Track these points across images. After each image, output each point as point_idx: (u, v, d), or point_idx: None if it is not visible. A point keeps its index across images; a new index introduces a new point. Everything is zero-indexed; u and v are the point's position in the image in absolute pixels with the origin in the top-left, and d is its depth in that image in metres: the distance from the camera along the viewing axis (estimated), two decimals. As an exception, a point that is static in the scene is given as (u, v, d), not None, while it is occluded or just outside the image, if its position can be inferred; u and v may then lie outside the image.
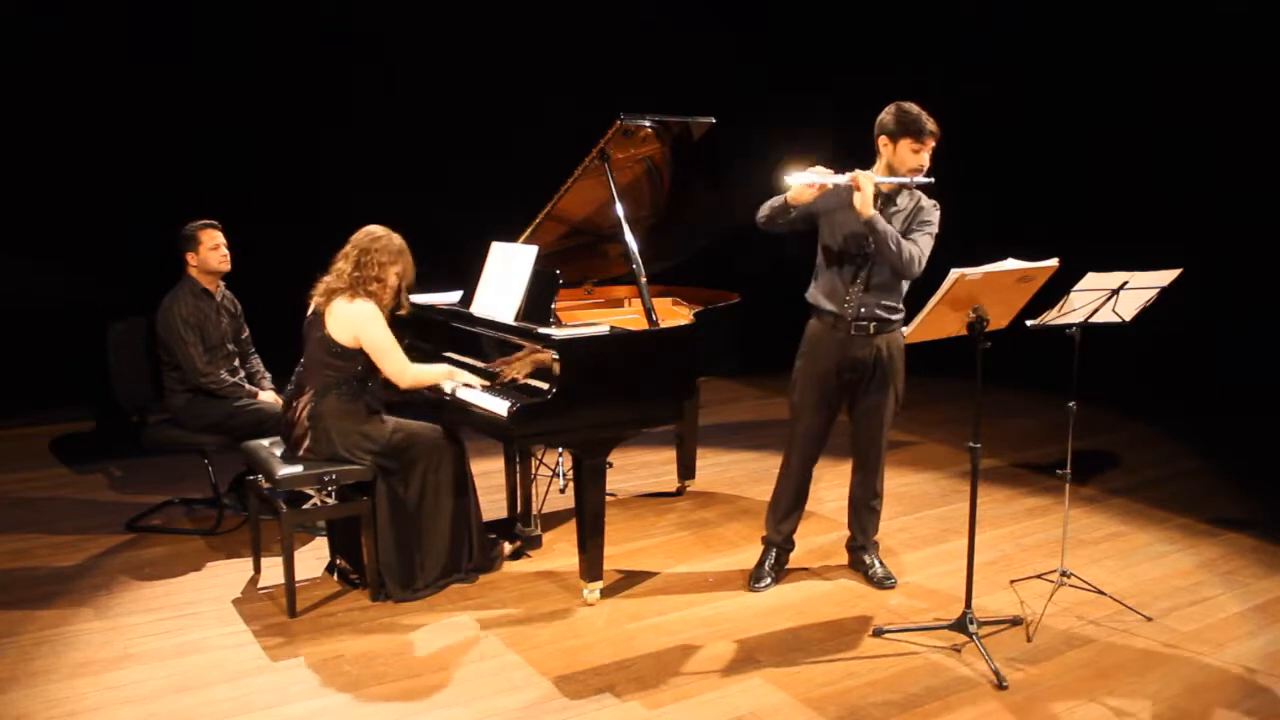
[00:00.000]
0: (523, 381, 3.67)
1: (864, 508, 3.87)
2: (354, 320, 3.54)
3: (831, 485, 3.81)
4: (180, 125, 6.29)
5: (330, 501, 3.62)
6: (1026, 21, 7.33)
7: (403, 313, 3.77)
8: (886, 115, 3.48)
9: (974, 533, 3.29)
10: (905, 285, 3.58)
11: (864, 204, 3.30)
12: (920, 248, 3.42)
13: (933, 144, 3.45)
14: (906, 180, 3.38)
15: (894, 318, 3.57)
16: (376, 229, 3.65)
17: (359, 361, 3.59)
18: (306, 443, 3.60)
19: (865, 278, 3.53)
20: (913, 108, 3.45)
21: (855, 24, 7.91)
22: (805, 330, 3.71)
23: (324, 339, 3.57)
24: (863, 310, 3.55)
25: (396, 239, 3.65)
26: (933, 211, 3.53)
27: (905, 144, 3.44)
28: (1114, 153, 6.80)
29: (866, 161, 3.49)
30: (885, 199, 3.51)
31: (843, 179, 3.33)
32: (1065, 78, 7.07)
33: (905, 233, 3.47)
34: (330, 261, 3.65)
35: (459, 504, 3.73)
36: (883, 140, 3.49)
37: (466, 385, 3.71)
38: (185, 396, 4.27)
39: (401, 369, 3.63)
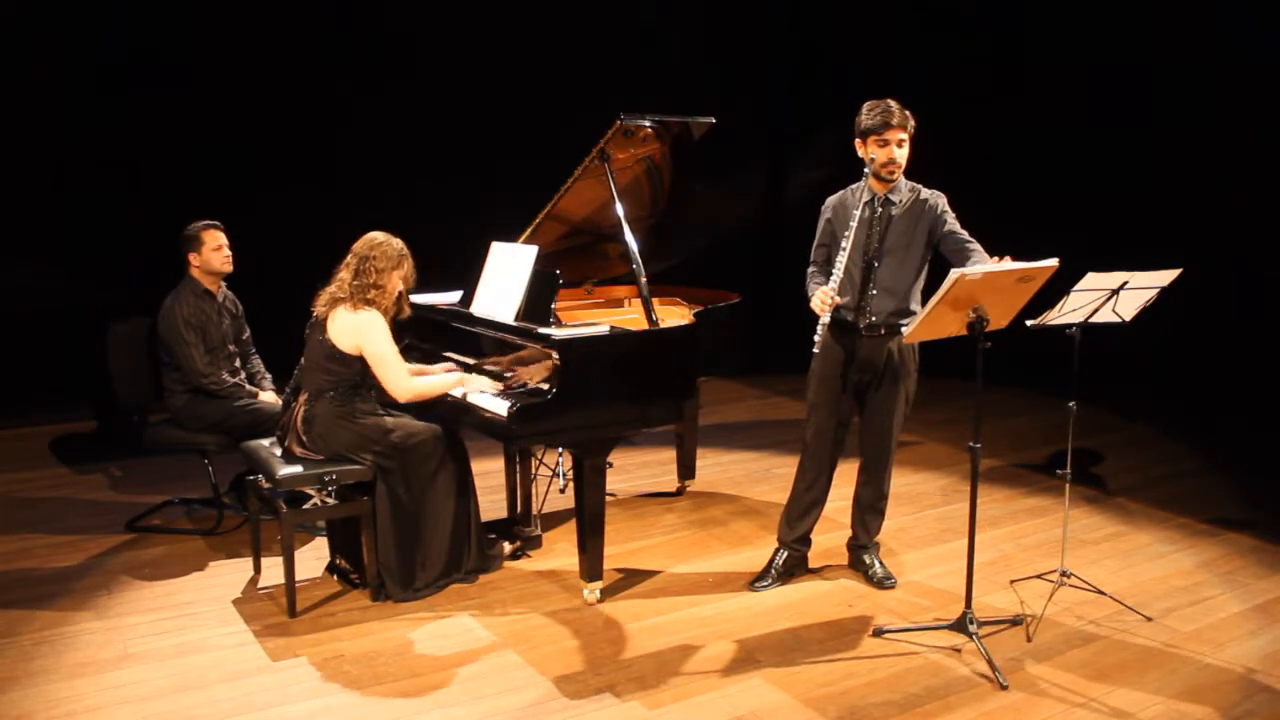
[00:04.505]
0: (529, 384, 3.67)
1: (869, 509, 3.86)
2: (357, 330, 3.55)
3: (833, 484, 3.82)
4: (183, 125, 6.28)
5: (330, 501, 3.62)
6: (1027, 20, 7.34)
7: (404, 317, 3.77)
8: (857, 116, 3.48)
9: (974, 533, 3.29)
10: (919, 286, 3.59)
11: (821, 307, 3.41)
12: (965, 244, 3.45)
13: (901, 135, 3.42)
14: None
15: (905, 320, 3.57)
16: (377, 235, 3.65)
17: (357, 367, 3.59)
18: (302, 444, 3.60)
19: (874, 281, 3.54)
20: (877, 104, 3.44)
21: (855, 23, 7.90)
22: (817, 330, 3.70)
23: (325, 344, 3.58)
24: (873, 313, 3.56)
25: (396, 244, 3.65)
26: (938, 199, 3.54)
27: (871, 141, 3.44)
28: (1114, 152, 6.80)
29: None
30: (884, 200, 3.51)
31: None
32: (1065, 77, 7.07)
33: (921, 228, 3.49)
34: (333, 271, 3.65)
35: (459, 504, 3.73)
36: (857, 143, 3.51)
37: (481, 391, 3.67)
38: (185, 397, 4.27)
39: (400, 383, 3.58)
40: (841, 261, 3.40)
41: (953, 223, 3.50)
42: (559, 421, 3.47)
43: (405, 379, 3.60)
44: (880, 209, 3.52)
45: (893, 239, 3.52)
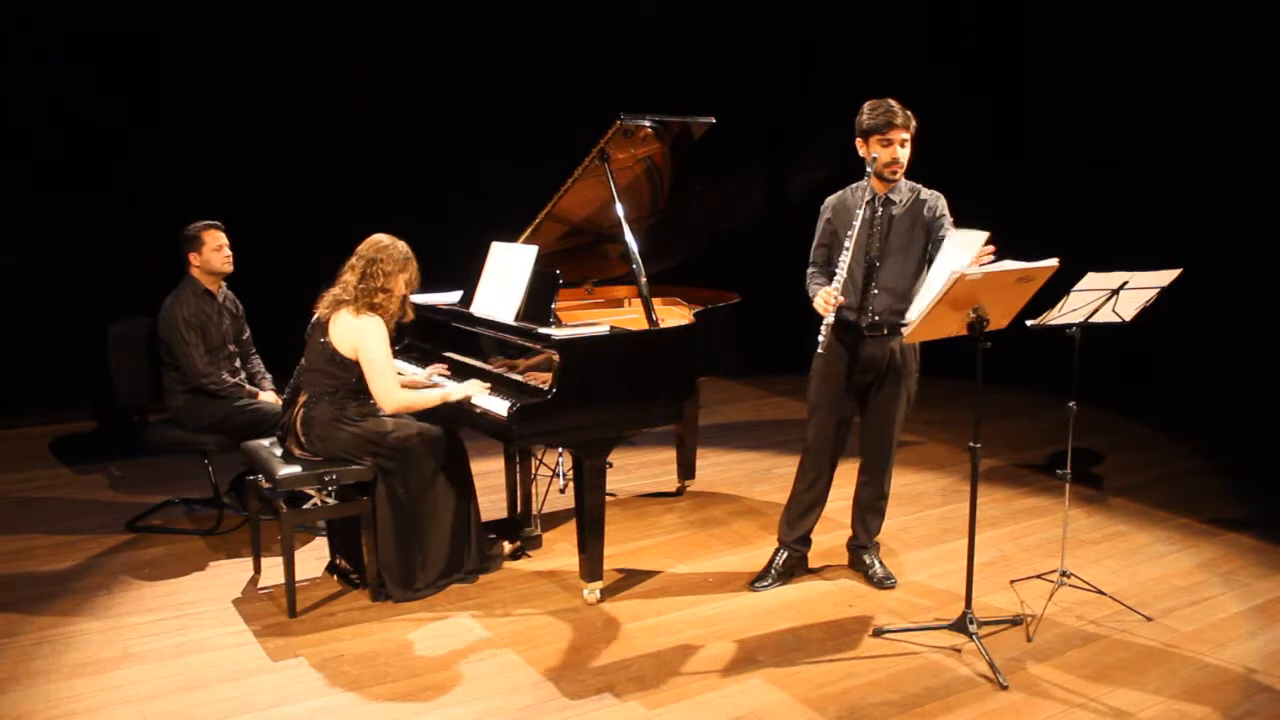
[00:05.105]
0: (524, 382, 3.67)
1: (869, 508, 3.86)
2: (357, 334, 3.54)
3: (834, 484, 3.82)
4: (183, 125, 6.29)
5: (330, 501, 3.62)
6: (1027, 20, 7.34)
7: (408, 320, 3.77)
8: (858, 116, 3.48)
9: (974, 533, 3.29)
10: (920, 286, 3.58)
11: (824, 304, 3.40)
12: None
13: (904, 135, 3.42)
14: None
15: (907, 320, 3.56)
16: (382, 238, 3.64)
17: (356, 372, 3.58)
18: (301, 445, 3.61)
19: (876, 280, 3.54)
20: (879, 103, 3.43)
21: (855, 23, 7.91)
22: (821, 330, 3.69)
23: (325, 347, 3.57)
24: (875, 313, 3.56)
25: (402, 247, 3.64)
26: (938, 200, 3.53)
27: (874, 141, 3.43)
28: (1114, 152, 6.80)
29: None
30: (884, 200, 3.52)
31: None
32: (1065, 77, 7.07)
33: (920, 228, 3.50)
34: (337, 273, 3.64)
35: (459, 504, 3.73)
36: (858, 143, 3.50)
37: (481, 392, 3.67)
38: (185, 397, 4.27)
39: (390, 393, 3.55)
40: (844, 261, 3.40)
41: (949, 228, 3.50)
42: (559, 421, 3.47)
43: (395, 389, 3.57)
44: (881, 209, 3.52)
45: (894, 239, 3.52)
